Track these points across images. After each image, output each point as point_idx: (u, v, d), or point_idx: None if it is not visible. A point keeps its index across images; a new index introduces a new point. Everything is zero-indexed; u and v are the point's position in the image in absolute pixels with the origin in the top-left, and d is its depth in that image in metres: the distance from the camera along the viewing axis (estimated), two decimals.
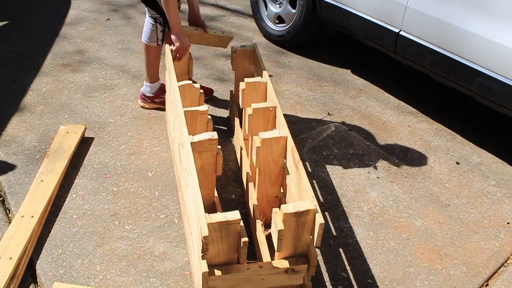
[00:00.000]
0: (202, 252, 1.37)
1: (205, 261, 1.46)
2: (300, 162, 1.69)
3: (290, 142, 1.81)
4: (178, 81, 2.15)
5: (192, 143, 1.75)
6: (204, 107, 2.03)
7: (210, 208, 1.99)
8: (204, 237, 1.35)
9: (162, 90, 2.75)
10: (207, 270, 1.45)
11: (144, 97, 2.78)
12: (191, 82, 2.24)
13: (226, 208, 1.96)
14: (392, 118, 2.96)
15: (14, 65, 3.16)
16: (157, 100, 2.77)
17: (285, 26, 3.63)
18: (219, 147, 1.83)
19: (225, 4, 4.43)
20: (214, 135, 1.80)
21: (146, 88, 2.76)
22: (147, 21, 2.56)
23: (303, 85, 3.24)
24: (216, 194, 2.01)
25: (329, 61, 3.58)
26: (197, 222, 1.44)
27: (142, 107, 2.81)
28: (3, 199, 2.15)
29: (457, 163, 2.61)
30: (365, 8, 3.05)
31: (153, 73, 2.70)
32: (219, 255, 1.47)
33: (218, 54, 3.48)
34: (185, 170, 1.71)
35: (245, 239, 1.44)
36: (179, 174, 2.06)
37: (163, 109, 2.77)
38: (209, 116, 2.03)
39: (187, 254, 1.91)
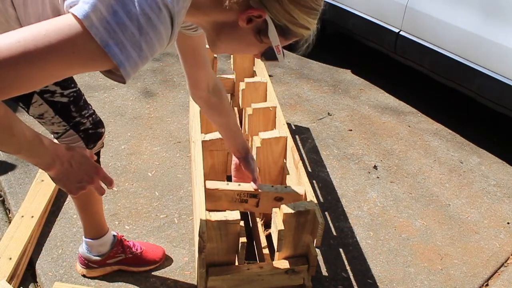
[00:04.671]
0: (199, 249, 1.38)
1: (203, 259, 1.46)
2: (300, 162, 1.69)
3: (290, 142, 1.81)
4: None
5: (203, 141, 1.76)
6: None
7: None
8: (201, 234, 1.35)
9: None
10: (205, 268, 1.45)
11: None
12: None
13: None
14: (392, 118, 2.96)
15: None
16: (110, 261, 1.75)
17: None
18: None
19: None
20: None
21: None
22: None
23: (303, 85, 3.23)
24: None
25: (329, 61, 3.58)
26: (197, 219, 1.44)
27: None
28: (3, 199, 2.15)
29: (457, 163, 2.61)
30: (365, 8, 3.05)
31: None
32: (218, 254, 1.47)
33: (218, 54, 3.48)
34: (195, 167, 1.71)
35: (244, 239, 1.44)
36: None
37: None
38: None
39: (187, 254, 1.91)
